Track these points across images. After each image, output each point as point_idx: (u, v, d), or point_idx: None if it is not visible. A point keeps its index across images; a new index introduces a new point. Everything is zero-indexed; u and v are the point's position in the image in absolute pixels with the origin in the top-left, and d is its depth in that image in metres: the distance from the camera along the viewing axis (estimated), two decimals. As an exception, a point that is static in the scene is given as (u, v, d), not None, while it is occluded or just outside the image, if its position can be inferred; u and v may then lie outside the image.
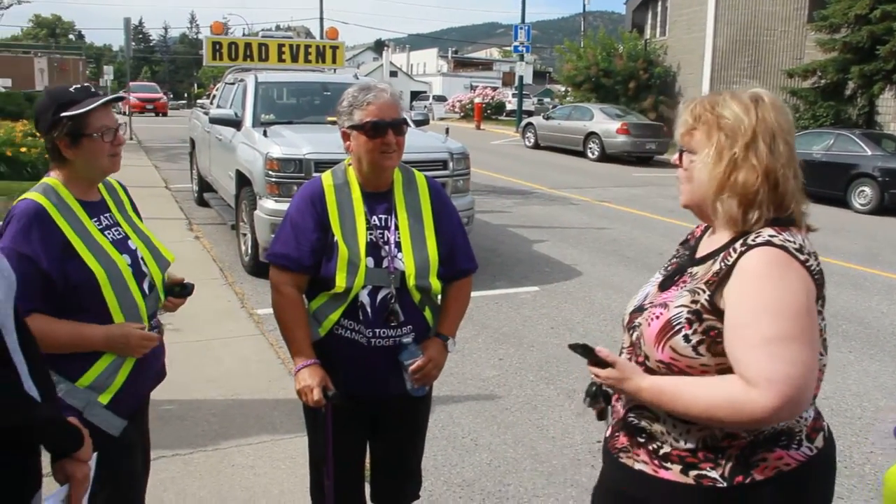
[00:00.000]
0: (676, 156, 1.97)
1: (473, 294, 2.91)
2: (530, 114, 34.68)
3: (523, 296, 7.87)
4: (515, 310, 7.37)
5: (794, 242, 1.77)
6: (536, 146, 25.98)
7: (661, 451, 1.90)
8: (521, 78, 35.16)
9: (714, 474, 1.82)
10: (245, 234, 8.46)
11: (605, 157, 22.26)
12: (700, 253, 1.98)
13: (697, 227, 2.14)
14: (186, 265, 8.24)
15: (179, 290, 2.75)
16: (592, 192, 15.64)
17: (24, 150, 13.27)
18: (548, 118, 26.10)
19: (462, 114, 44.85)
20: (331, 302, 2.63)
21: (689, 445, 1.85)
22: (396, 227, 2.66)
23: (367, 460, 2.97)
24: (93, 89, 2.52)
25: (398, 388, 2.67)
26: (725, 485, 1.80)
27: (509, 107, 44.10)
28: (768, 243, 1.76)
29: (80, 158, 2.44)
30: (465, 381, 5.47)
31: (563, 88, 37.00)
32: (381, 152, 2.58)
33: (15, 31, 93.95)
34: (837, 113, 21.74)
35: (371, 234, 2.63)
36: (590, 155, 23.00)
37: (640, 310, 1.99)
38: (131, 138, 23.14)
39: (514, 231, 11.20)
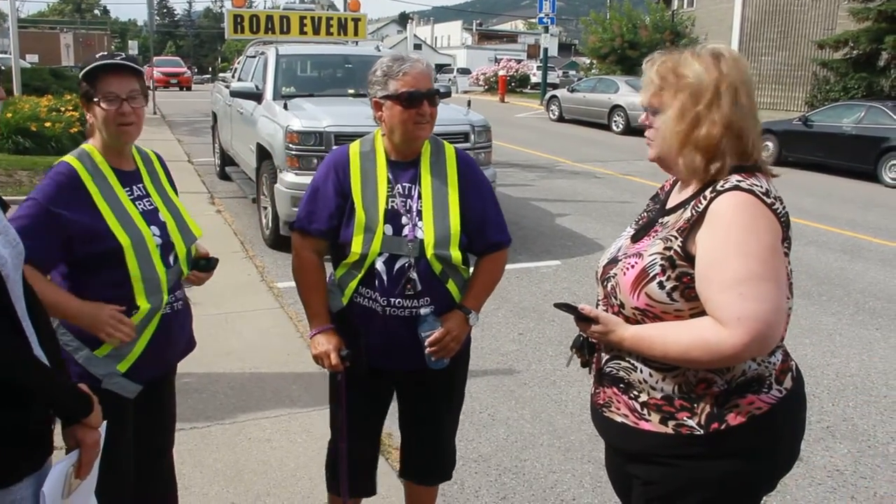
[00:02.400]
0: (644, 115, 2.04)
1: None
2: (555, 87, 34.37)
3: (544, 270, 7.81)
4: (536, 284, 7.31)
5: (761, 187, 1.85)
6: (561, 119, 25.76)
7: (640, 400, 1.98)
8: (545, 50, 34.79)
9: (691, 423, 1.91)
10: (266, 208, 8.45)
11: (630, 130, 21.97)
12: (670, 204, 2.07)
13: (667, 181, 2.22)
14: (208, 238, 8.21)
15: (205, 264, 2.75)
16: (617, 165, 15.48)
17: (48, 124, 13.34)
18: (572, 91, 25.85)
19: (486, 87, 44.53)
20: (351, 269, 2.62)
21: (666, 392, 1.94)
22: (420, 196, 2.63)
23: (396, 437, 2.97)
24: (118, 57, 2.48)
25: (418, 362, 2.63)
26: (702, 432, 1.89)
27: (534, 80, 43.75)
28: (736, 188, 1.84)
29: (97, 123, 2.46)
30: (484, 355, 5.44)
31: (588, 61, 36.62)
32: (415, 123, 2.57)
33: (41, 7, 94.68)
34: (870, 85, 21.28)
35: (392, 201, 2.61)
36: (614, 128, 22.77)
37: (613, 261, 2.07)
38: (155, 112, 23.23)
39: (537, 204, 11.11)
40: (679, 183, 2.11)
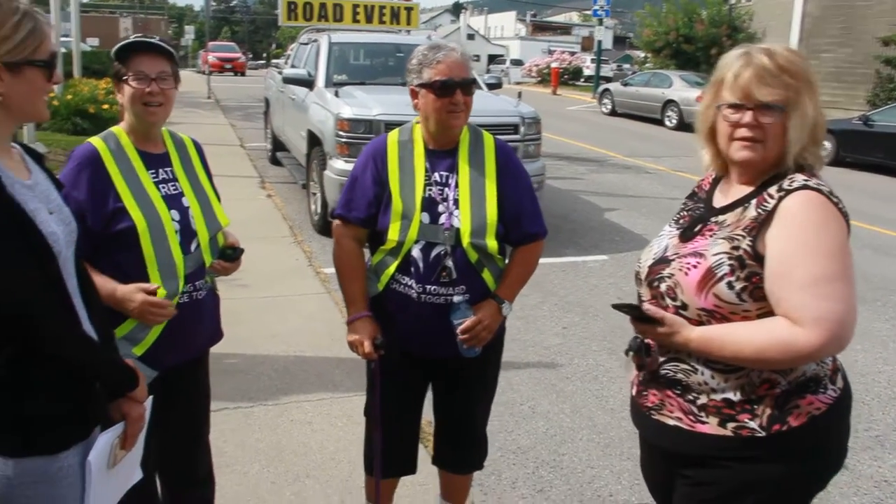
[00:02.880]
0: (749, 114, 1.89)
1: (542, 261, 2.84)
2: (609, 80, 33.98)
3: (591, 264, 7.75)
4: (583, 278, 7.27)
5: (826, 186, 1.85)
6: (613, 113, 25.49)
7: (698, 403, 1.94)
8: (599, 43, 34.47)
9: (753, 424, 1.88)
10: (315, 194, 8.53)
11: (684, 125, 21.61)
12: (718, 203, 2.03)
13: (703, 180, 2.18)
14: (257, 223, 8.39)
15: (231, 253, 2.69)
16: (668, 161, 15.27)
17: (105, 107, 13.64)
18: (625, 84, 25.56)
19: (539, 78, 44.25)
20: (387, 256, 2.65)
21: (727, 395, 1.91)
22: (457, 185, 2.64)
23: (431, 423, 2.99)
24: (149, 38, 2.50)
25: (450, 350, 2.64)
26: (764, 434, 1.87)
27: (587, 72, 43.28)
28: (805, 187, 1.83)
29: (125, 103, 2.47)
30: (527, 347, 5.43)
31: (642, 55, 36.13)
32: (448, 111, 2.58)
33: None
34: (935, 84, 20.65)
35: (430, 189, 2.62)
36: (667, 123, 22.46)
37: (662, 261, 2.02)
38: (209, 97, 23.56)
39: (586, 199, 11.03)
40: (721, 181, 2.08)
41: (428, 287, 2.60)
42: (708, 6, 30.19)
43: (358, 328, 2.66)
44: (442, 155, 2.68)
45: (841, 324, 1.75)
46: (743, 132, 1.90)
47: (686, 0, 30.95)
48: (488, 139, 2.76)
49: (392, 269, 2.64)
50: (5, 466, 1.74)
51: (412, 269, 2.61)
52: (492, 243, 2.63)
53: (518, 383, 4.80)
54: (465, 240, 2.58)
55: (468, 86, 2.61)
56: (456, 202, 2.62)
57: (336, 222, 2.77)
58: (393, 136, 2.74)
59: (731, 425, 1.90)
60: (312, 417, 4.20)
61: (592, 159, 15.20)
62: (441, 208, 2.61)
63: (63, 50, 15.38)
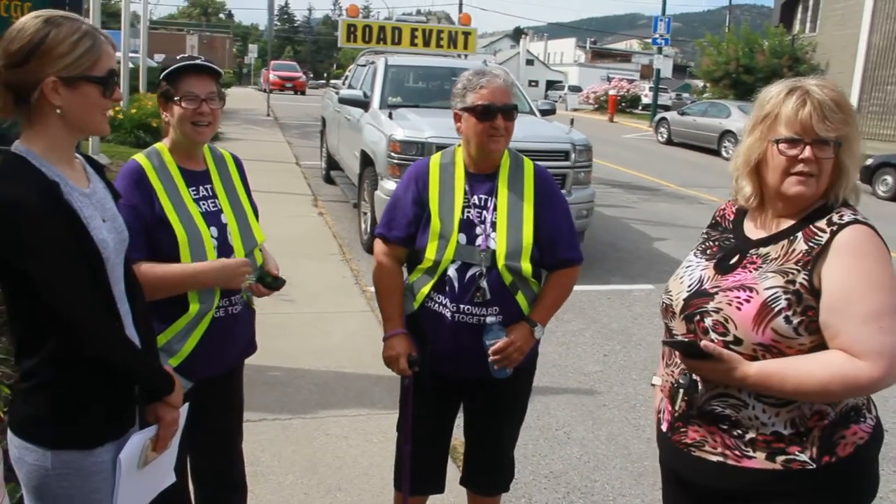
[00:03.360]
0: (808, 149, 1.89)
1: (586, 288, 2.92)
2: (666, 108, 33.76)
3: (637, 293, 7.71)
4: (627, 307, 7.24)
5: (869, 220, 1.90)
6: (669, 142, 25.30)
7: (747, 437, 1.93)
8: (658, 71, 34.29)
9: (803, 457, 1.88)
10: (365, 213, 8.66)
11: (741, 156, 21.39)
12: (753, 234, 2.04)
13: (723, 209, 2.21)
14: (308, 240, 8.55)
15: (271, 282, 2.73)
16: (722, 192, 15.09)
17: (168, 121, 14.02)
18: (682, 114, 25.36)
19: (596, 105, 44.18)
20: (424, 275, 2.71)
21: (776, 428, 1.90)
22: (495, 208, 2.70)
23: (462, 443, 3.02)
24: (199, 60, 2.59)
25: (482, 370, 2.68)
26: (814, 466, 1.88)
27: (645, 100, 43.09)
28: (857, 222, 1.86)
29: (172, 122, 2.56)
30: (567, 373, 5.43)
31: (701, 84, 35.83)
32: (488, 135, 2.64)
33: (171, 10, 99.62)
34: None
35: (468, 211, 2.69)
36: (724, 154, 22.18)
37: (702, 294, 1.99)
38: (268, 114, 24.05)
39: (636, 227, 10.97)
40: (751, 212, 2.08)
41: (462, 307, 2.65)
42: (769, 37, 29.87)
43: (394, 345, 2.73)
44: (482, 178, 2.75)
45: None
46: (800, 167, 1.90)
47: (747, 30, 30.68)
48: (528, 165, 2.81)
49: (428, 287, 2.69)
50: (44, 457, 1.86)
51: (447, 288, 2.66)
52: (526, 266, 2.67)
53: (555, 408, 4.80)
54: (501, 261, 2.63)
55: (509, 111, 2.67)
56: (493, 224, 2.67)
57: (377, 241, 2.86)
58: (435, 159, 2.82)
59: (780, 459, 1.89)
60: (348, 432, 4.28)
61: (645, 188, 15.12)
62: (478, 230, 2.67)
63: (130, 65, 15.88)
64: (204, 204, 2.60)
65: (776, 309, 1.84)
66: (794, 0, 32.15)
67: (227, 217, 2.64)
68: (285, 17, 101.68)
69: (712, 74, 30.67)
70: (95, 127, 1.93)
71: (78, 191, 1.86)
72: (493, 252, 2.64)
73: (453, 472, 3.23)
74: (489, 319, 2.65)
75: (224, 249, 2.59)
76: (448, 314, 2.67)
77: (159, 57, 39.20)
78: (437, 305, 2.70)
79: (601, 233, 9.84)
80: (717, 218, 2.23)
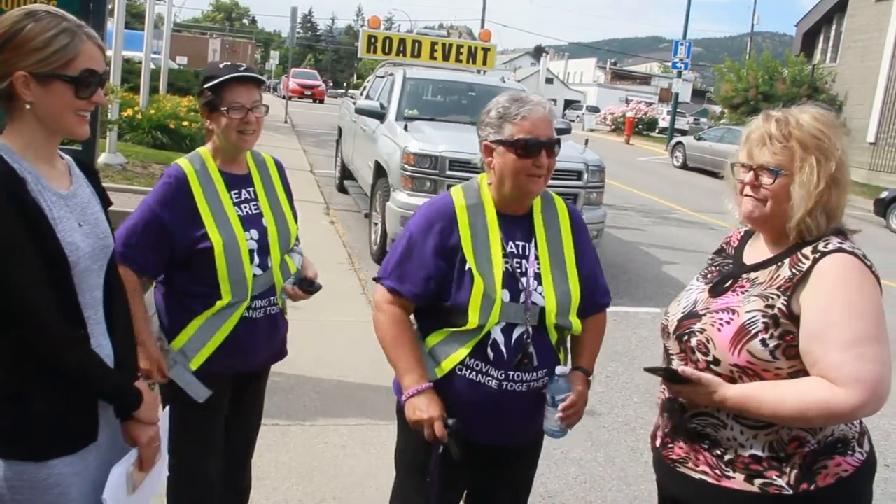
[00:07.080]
0: (750, 174, 2.00)
1: None
2: (684, 133, 33.75)
3: (643, 316, 7.71)
4: (633, 329, 7.24)
5: (860, 250, 1.91)
6: (684, 166, 25.26)
7: (726, 458, 1.96)
8: (676, 95, 34.26)
9: (780, 482, 1.90)
10: (376, 224, 8.70)
11: (756, 184, 21.34)
12: (749, 260, 2.08)
13: (730, 236, 2.26)
14: (317, 248, 8.56)
15: (307, 286, 2.81)
16: (735, 219, 15.04)
17: (185, 123, 14.17)
18: (699, 139, 25.33)
19: (613, 127, 44.20)
20: (456, 338, 2.32)
21: (755, 451, 1.92)
22: (536, 258, 2.36)
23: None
24: (241, 68, 2.61)
25: (530, 433, 2.42)
26: (791, 492, 1.88)
27: (662, 123, 43.08)
28: (840, 250, 1.88)
29: (217, 130, 2.61)
30: (568, 393, 5.42)
31: (719, 109, 35.82)
32: (528, 175, 2.29)
33: (196, 14, 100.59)
34: None
35: (507, 262, 2.32)
36: (739, 180, 22.14)
37: (692, 316, 2.04)
38: (286, 121, 24.16)
39: (646, 250, 10.96)
40: (752, 238, 2.13)
41: (511, 374, 2.29)
42: (790, 65, 29.85)
43: (423, 404, 2.25)
44: (514, 221, 2.39)
45: (879, 384, 1.78)
46: (747, 190, 2.01)
47: (768, 57, 30.67)
48: (560, 203, 2.51)
49: (463, 353, 2.29)
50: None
51: (491, 353, 2.28)
52: (575, 322, 2.38)
53: (554, 428, 4.80)
54: (551, 319, 2.31)
55: (553, 146, 2.31)
56: (537, 276, 2.34)
57: (381, 290, 2.41)
58: (460, 200, 2.39)
59: (758, 482, 1.91)
60: (347, 441, 4.29)
61: (657, 211, 15.10)
62: (521, 284, 2.32)
63: (152, 66, 16.02)
64: (245, 207, 2.66)
65: (753, 331, 1.88)
66: (815, 29, 32.12)
67: (268, 220, 2.69)
68: (308, 25, 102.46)
69: (731, 100, 30.66)
70: (69, 128, 1.84)
71: (52, 191, 1.81)
72: (542, 309, 2.31)
73: None
74: (558, 370, 2.30)
75: (263, 251, 2.65)
76: (493, 384, 2.29)
77: (181, 59, 39.55)
78: (475, 374, 2.30)
79: (611, 254, 9.83)
80: (724, 244, 2.28)
